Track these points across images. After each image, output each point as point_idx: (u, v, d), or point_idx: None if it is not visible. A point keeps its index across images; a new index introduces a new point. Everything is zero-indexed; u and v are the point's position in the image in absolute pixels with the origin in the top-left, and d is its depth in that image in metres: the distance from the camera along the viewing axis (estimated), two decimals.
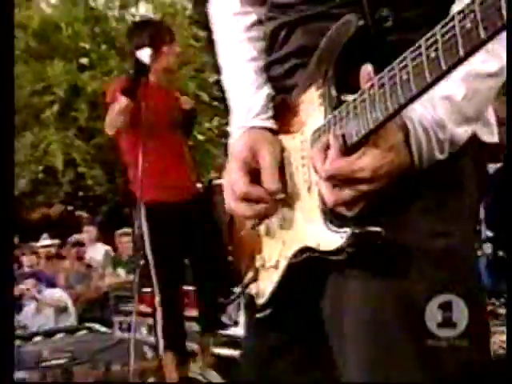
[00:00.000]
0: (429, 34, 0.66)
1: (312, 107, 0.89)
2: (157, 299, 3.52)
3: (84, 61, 10.10)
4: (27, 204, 11.51)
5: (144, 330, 4.67)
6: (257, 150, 0.93)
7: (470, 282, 0.86)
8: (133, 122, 3.29)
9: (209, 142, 10.71)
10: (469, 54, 0.61)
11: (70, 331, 6.02)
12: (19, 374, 5.09)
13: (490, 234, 4.06)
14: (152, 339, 4.43)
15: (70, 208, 11.61)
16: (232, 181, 0.94)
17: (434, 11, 0.82)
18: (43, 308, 6.60)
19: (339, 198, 0.79)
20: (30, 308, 6.66)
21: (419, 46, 0.67)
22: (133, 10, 11.52)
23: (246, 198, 0.92)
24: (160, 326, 3.59)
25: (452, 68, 0.64)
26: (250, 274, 0.99)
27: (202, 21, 11.75)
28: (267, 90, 1.01)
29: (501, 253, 3.67)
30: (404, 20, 0.86)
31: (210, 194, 4.74)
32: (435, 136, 0.80)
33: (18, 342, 6.02)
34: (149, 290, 4.69)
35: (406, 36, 0.80)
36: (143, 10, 11.73)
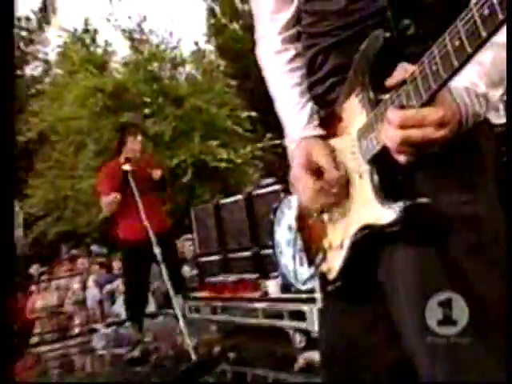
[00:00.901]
0: (452, 27, 0.58)
1: (354, 111, 0.82)
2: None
3: (147, 111, 10.04)
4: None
5: (208, 311, 4.66)
6: (311, 154, 0.88)
7: (498, 245, 0.76)
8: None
9: (244, 164, 10.68)
10: (491, 34, 0.54)
11: (151, 316, 6.14)
12: (118, 351, 5.15)
13: None
14: (214, 318, 4.59)
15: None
16: (303, 184, 0.88)
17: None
18: None
19: (406, 137, 0.67)
20: (120, 300, 6.63)
21: (444, 39, 0.60)
22: (181, 69, 11.47)
23: (318, 192, 0.86)
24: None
25: (478, 48, 0.57)
26: (320, 256, 0.92)
27: (232, 73, 11.91)
28: (310, 106, 0.96)
29: None
30: (425, 27, 0.76)
31: (251, 202, 4.83)
32: (474, 92, 0.71)
33: (114, 326, 6.25)
34: (211, 279, 4.82)
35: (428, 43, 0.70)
36: (188, 69, 11.69)
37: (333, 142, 0.90)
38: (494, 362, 0.70)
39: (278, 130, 1.00)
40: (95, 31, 12.79)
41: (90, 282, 7.08)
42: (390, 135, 0.70)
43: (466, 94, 0.71)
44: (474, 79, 0.72)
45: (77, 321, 6.71)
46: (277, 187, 4.17)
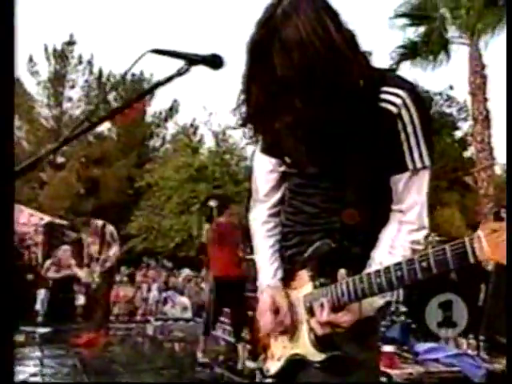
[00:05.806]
0: (422, 254, 0.63)
1: (304, 280, 0.85)
2: None
3: (215, 183, 10.39)
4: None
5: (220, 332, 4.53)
6: (274, 298, 0.89)
7: (373, 371, 0.87)
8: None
9: None
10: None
11: (187, 320, 6.17)
12: (160, 337, 5.14)
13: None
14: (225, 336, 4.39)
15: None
16: (265, 318, 0.89)
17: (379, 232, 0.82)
18: (176, 306, 6.68)
19: (326, 330, 0.77)
20: (168, 306, 6.71)
21: (400, 263, 0.66)
22: (243, 162, 11.71)
23: (274, 325, 0.89)
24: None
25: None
26: (262, 357, 0.95)
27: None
28: (277, 264, 0.94)
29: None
30: (361, 249, 0.82)
31: None
32: (372, 305, 0.78)
33: (161, 322, 6.08)
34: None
35: (364, 252, 0.80)
36: (248, 163, 11.47)
37: (288, 292, 0.91)
38: None
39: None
40: (196, 127, 13.68)
41: (154, 287, 7.09)
42: (317, 327, 0.79)
43: (368, 306, 0.78)
44: (375, 297, 0.77)
45: (140, 311, 6.69)
46: None
